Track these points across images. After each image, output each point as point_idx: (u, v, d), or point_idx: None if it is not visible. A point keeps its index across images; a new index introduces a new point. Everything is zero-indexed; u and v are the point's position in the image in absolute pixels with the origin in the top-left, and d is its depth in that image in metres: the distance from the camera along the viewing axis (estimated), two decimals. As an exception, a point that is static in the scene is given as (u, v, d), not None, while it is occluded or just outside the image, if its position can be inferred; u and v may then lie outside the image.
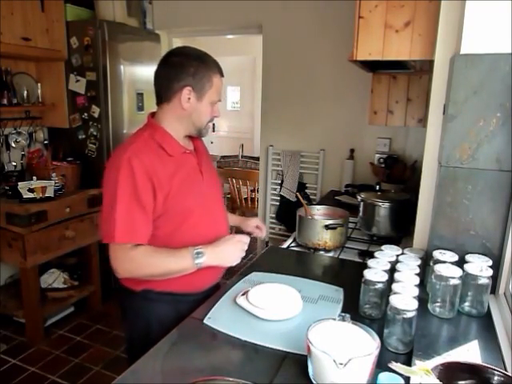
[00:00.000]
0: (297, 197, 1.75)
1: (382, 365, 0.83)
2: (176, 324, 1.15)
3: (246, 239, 1.31)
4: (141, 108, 3.18)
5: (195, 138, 1.40)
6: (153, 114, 1.34)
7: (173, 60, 1.27)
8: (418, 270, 1.18)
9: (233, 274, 1.47)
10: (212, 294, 1.31)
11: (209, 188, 1.38)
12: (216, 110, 1.33)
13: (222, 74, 1.31)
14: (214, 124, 6.28)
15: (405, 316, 0.97)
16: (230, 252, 1.28)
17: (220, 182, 1.50)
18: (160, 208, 1.23)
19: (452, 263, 1.16)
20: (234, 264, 1.30)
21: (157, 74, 1.30)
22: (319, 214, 1.89)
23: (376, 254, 1.29)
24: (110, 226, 1.19)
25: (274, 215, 3.38)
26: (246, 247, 1.30)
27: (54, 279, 2.82)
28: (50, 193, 2.57)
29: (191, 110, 1.28)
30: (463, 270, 1.13)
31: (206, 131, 1.36)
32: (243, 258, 1.34)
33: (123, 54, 2.98)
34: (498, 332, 1.06)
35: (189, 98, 1.26)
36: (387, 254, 1.29)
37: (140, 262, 1.21)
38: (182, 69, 1.24)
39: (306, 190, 3.23)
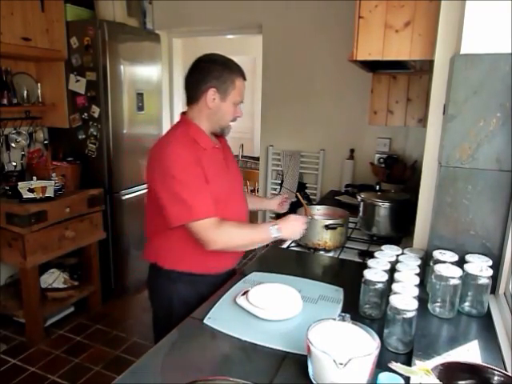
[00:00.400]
0: (297, 197, 1.76)
1: (382, 365, 0.83)
2: (196, 303, 1.27)
3: (305, 219, 1.51)
4: (141, 108, 3.18)
5: (220, 137, 1.54)
6: (183, 114, 1.49)
7: (201, 65, 1.42)
8: (417, 270, 1.18)
9: (234, 274, 1.50)
10: (229, 279, 1.44)
11: (232, 180, 1.54)
12: (239, 111, 1.46)
13: (244, 78, 1.44)
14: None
15: (405, 316, 0.97)
16: (296, 227, 1.47)
17: (241, 176, 1.66)
18: None
19: (452, 263, 1.16)
20: (297, 238, 1.53)
21: (187, 77, 1.44)
22: (319, 214, 1.89)
23: (376, 254, 1.29)
24: (183, 207, 1.31)
25: (273, 215, 3.38)
26: (305, 226, 1.50)
27: (54, 279, 2.82)
28: (49, 193, 2.57)
29: (216, 109, 1.42)
30: (463, 270, 1.13)
31: (228, 130, 1.50)
32: (244, 257, 1.36)
33: (123, 54, 2.98)
34: (498, 332, 1.06)
35: (214, 99, 1.40)
36: (387, 253, 1.29)
37: (232, 233, 1.37)
38: (209, 73, 1.39)
39: (306, 190, 3.23)
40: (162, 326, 1.35)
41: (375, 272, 1.13)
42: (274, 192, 3.37)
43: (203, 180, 1.35)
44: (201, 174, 1.34)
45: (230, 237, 1.37)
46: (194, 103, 1.43)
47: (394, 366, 0.78)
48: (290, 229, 1.46)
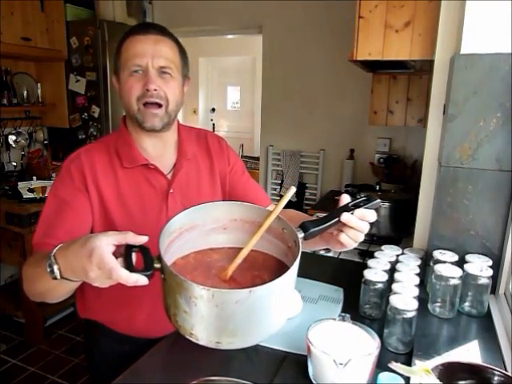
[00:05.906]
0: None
1: (382, 365, 0.83)
2: (120, 361, 1.05)
3: (113, 268, 0.64)
4: (141, 108, 3.18)
5: (200, 156, 1.14)
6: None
7: None
8: (417, 270, 1.18)
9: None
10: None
11: (157, 216, 1.05)
12: (148, 82, 0.97)
13: (139, 33, 1.00)
14: (213, 124, 6.28)
15: (405, 316, 0.97)
16: (83, 262, 0.67)
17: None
18: (97, 221, 1.04)
19: (452, 263, 1.16)
20: (98, 284, 0.68)
21: None
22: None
23: (376, 254, 1.29)
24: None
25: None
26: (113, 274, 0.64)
27: (54, 279, 2.82)
28: (49, 193, 2.57)
29: (120, 95, 1.04)
30: (463, 270, 1.13)
31: (142, 117, 1.00)
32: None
33: (123, 53, 2.98)
34: (498, 332, 1.06)
35: (114, 82, 1.07)
36: (387, 253, 1.29)
37: (23, 274, 0.89)
38: None
39: (306, 190, 3.23)
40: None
41: (375, 272, 1.13)
42: (274, 192, 3.37)
43: (66, 207, 1.02)
44: (65, 199, 1.02)
45: (24, 282, 0.89)
46: None
47: (394, 366, 0.78)
48: (74, 261, 0.69)
